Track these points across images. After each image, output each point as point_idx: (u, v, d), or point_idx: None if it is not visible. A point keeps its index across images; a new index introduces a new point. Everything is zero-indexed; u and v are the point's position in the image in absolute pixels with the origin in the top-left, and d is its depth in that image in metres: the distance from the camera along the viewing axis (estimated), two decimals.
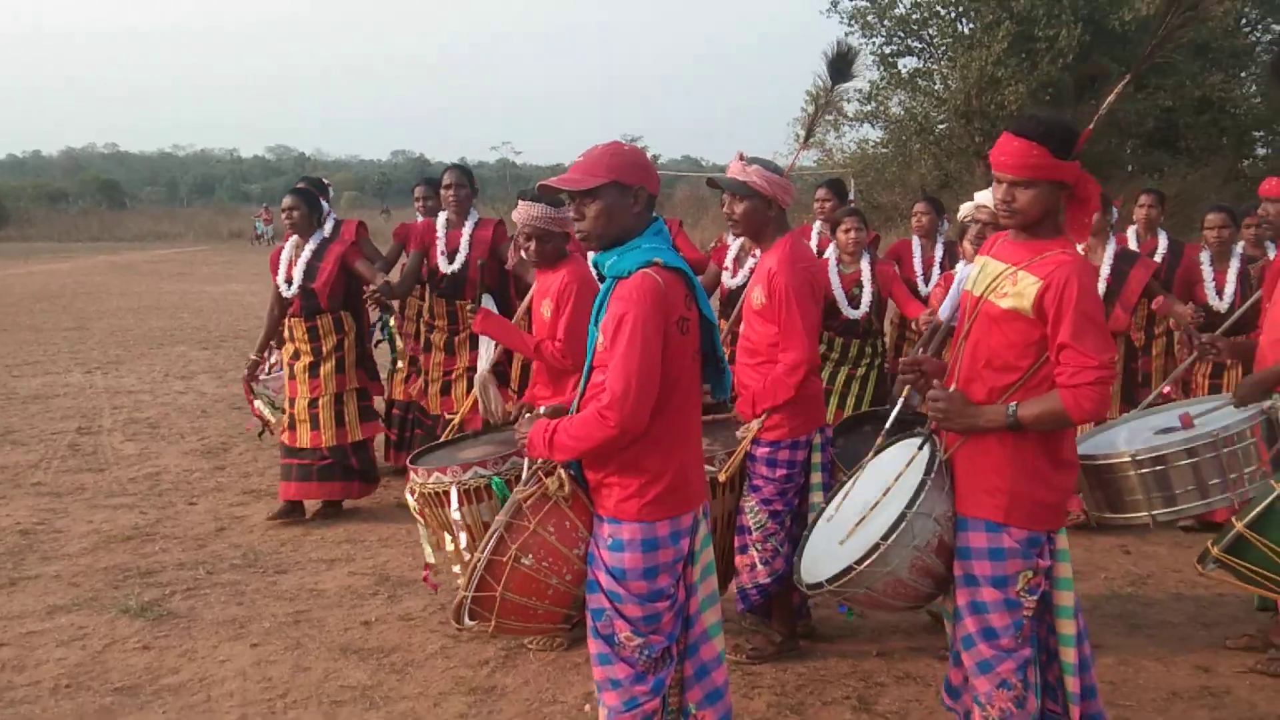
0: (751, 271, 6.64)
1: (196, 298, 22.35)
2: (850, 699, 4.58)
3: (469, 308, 6.69)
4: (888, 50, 29.01)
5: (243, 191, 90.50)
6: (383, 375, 7.77)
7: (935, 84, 28.40)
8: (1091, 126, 3.38)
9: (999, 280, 3.38)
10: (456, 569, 4.55)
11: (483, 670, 4.85)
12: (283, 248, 7.32)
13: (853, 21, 28.51)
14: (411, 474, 4.65)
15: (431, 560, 4.80)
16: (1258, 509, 3.80)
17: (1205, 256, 7.14)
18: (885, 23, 28.31)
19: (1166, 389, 5.49)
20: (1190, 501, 4.09)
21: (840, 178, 8.63)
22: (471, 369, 7.22)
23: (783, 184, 4.62)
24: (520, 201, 4.87)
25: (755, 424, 4.66)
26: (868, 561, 3.37)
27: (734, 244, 7.23)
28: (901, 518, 3.35)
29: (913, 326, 7.20)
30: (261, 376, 7.58)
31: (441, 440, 5.18)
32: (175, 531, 6.88)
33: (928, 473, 3.41)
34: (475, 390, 5.66)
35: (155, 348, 15.18)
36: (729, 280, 7.15)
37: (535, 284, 5.01)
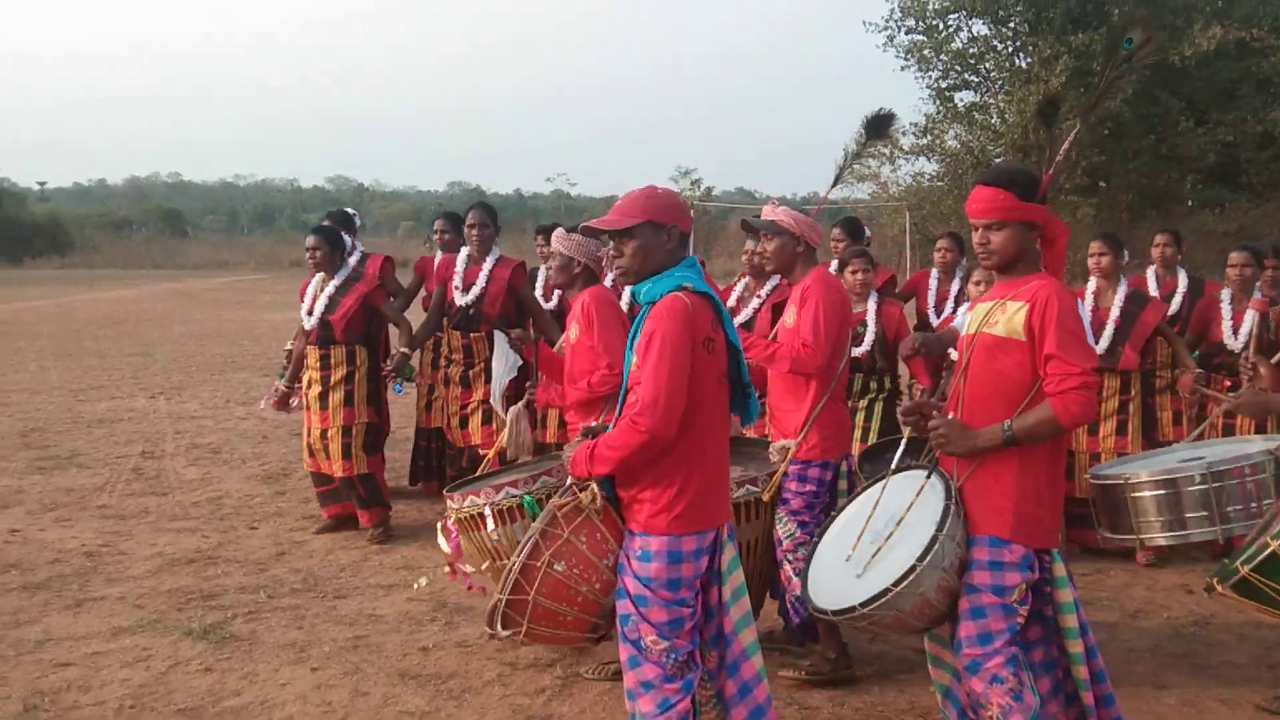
0: (755, 311, 7.07)
1: (256, 325, 22.69)
2: None
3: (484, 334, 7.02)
4: (944, 84, 28.98)
5: (302, 221, 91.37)
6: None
7: (992, 118, 28.30)
8: (1050, 171, 3.78)
9: (989, 313, 3.71)
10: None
11: (539, 698, 4.88)
12: (310, 280, 7.52)
13: (909, 56, 28.52)
14: (448, 502, 4.99)
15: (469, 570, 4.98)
16: None
17: (1226, 294, 7.12)
18: (942, 57, 28.29)
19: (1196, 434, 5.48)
20: (1200, 527, 4.18)
21: (856, 216, 8.70)
22: (484, 401, 7.39)
23: (809, 223, 5.02)
24: (556, 229, 5.27)
25: (792, 443, 4.92)
26: (904, 584, 3.53)
27: (739, 285, 7.39)
28: (934, 540, 3.55)
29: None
30: (292, 403, 7.76)
31: (476, 475, 5.41)
32: (237, 555, 6.98)
33: (949, 498, 3.65)
34: (508, 422, 5.72)
35: (217, 374, 15.42)
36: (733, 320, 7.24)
37: (570, 311, 5.22)
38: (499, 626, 3.79)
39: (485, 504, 4.79)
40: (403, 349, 7.30)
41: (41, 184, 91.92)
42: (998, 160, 28.19)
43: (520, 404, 5.70)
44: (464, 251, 7.65)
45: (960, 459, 3.70)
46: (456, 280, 7.55)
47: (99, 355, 17.36)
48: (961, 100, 29.21)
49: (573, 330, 5.03)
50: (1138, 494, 4.24)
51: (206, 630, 5.65)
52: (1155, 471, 4.28)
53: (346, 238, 7.78)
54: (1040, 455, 3.61)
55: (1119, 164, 25.72)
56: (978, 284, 6.53)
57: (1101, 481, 4.38)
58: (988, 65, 28.13)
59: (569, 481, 3.73)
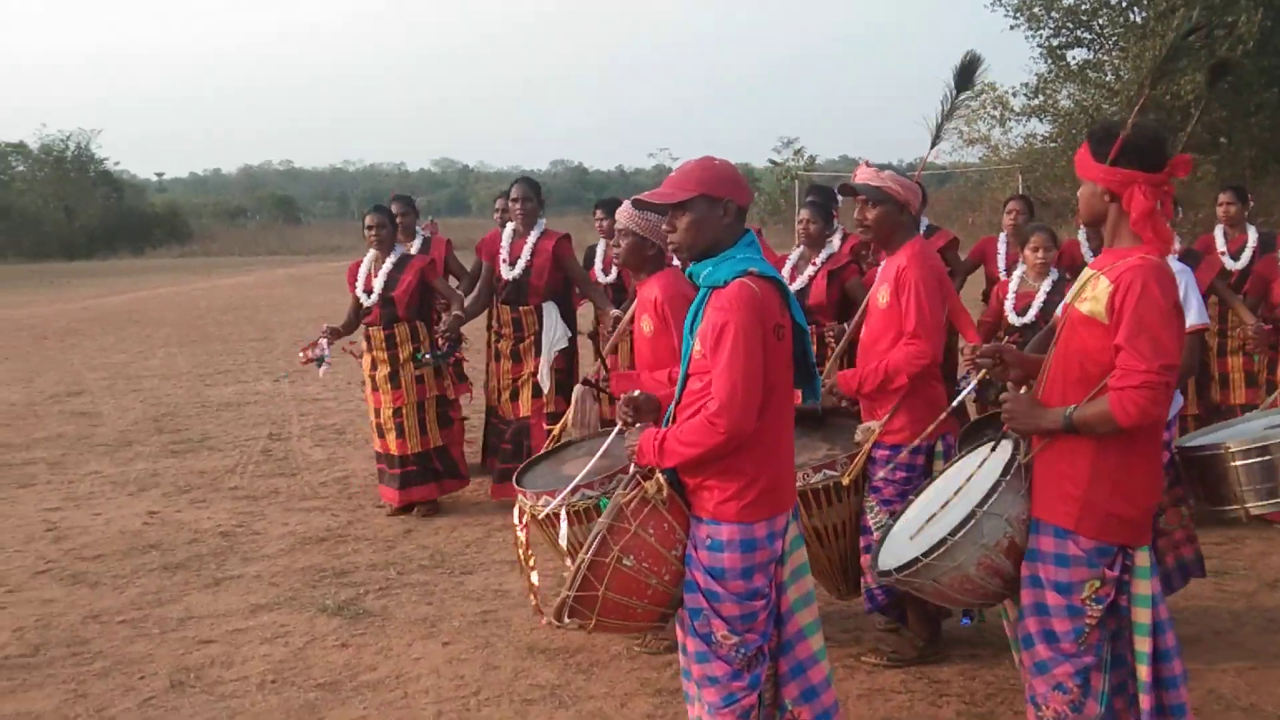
0: (810, 280, 6.76)
1: None
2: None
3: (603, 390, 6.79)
4: (1055, 42, 28.23)
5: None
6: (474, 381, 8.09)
7: (1106, 75, 27.50)
8: (1124, 133, 3.36)
9: (1084, 285, 3.43)
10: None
11: (666, 672, 4.92)
12: (360, 261, 7.64)
13: (1018, 14, 27.81)
14: (520, 496, 4.85)
15: (536, 583, 4.69)
16: None
17: None
18: (1053, 14, 27.53)
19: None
20: None
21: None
22: (535, 374, 7.40)
23: (915, 189, 4.71)
24: (625, 203, 4.88)
25: (876, 425, 4.67)
26: (934, 555, 3.46)
27: (794, 253, 7.22)
28: (971, 515, 3.43)
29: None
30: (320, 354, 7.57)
31: (543, 452, 5.39)
32: (365, 533, 7.15)
33: (1004, 474, 3.47)
34: (573, 401, 5.64)
35: (337, 356, 15.64)
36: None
37: (637, 296, 4.97)
38: (566, 619, 3.73)
39: (562, 504, 4.66)
40: (456, 312, 7.35)
41: (159, 175, 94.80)
42: (1115, 118, 27.49)
43: (582, 382, 5.60)
44: (509, 227, 7.66)
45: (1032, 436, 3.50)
46: (503, 254, 7.55)
47: (222, 340, 17.84)
48: (1074, 58, 28.40)
49: (645, 323, 4.79)
50: (1234, 463, 4.12)
51: (340, 607, 5.80)
52: (1249, 438, 4.17)
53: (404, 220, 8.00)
54: (1123, 444, 3.30)
55: (1240, 119, 24.86)
56: (1035, 250, 6.42)
57: (1197, 453, 4.27)
58: (1101, 21, 27.30)
59: (631, 470, 3.65)
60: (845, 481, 4.70)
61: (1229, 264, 7.40)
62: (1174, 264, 4.73)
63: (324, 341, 7.50)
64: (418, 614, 5.71)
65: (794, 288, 7.04)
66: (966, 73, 4.81)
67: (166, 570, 6.49)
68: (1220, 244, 7.61)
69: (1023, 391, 3.54)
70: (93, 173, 55.02)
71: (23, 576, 6.44)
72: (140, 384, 13.59)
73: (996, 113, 30.40)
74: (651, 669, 4.95)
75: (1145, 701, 3.41)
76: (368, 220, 7.60)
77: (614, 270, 8.13)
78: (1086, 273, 3.48)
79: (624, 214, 4.81)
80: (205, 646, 5.38)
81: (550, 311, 7.38)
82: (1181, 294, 4.53)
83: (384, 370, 7.48)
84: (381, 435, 7.55)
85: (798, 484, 4.45)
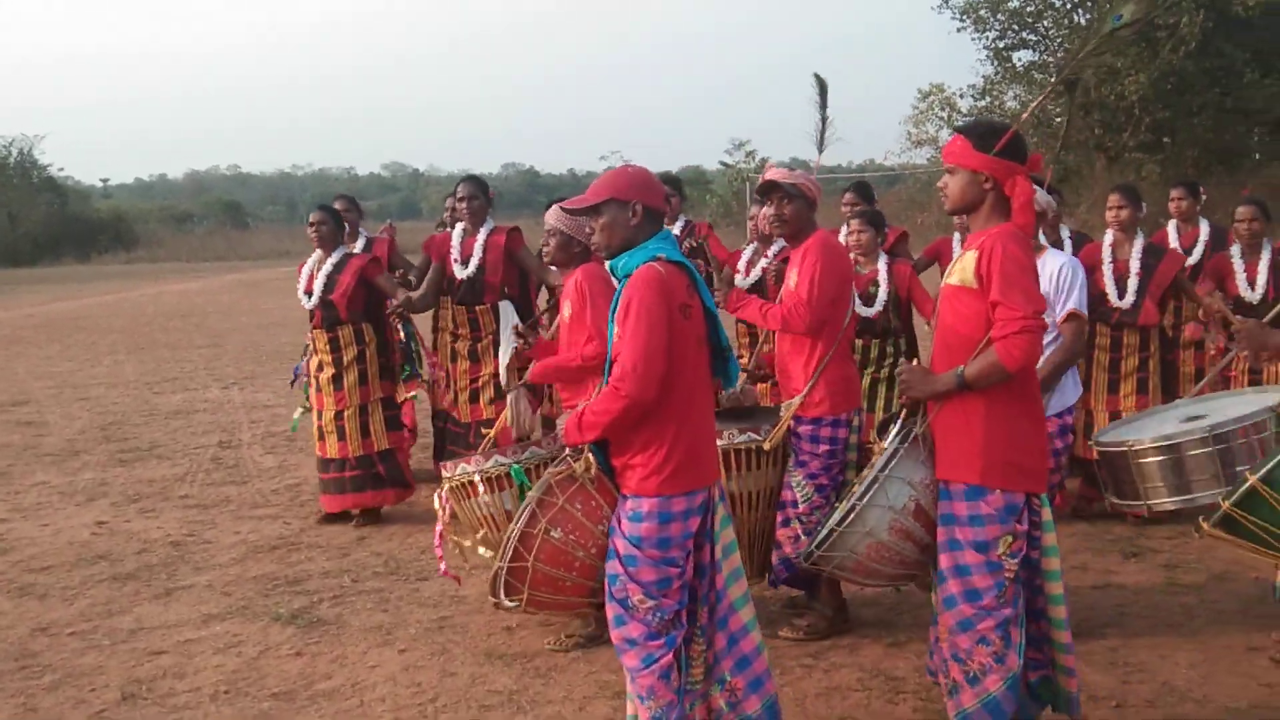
0: (764, 271, 7.09)
1: None
2: None
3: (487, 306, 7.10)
4: (1001, 44, 28.51)
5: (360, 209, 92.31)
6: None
7: (1051, 76, 27.79)
8: (1014, 127, 3.72)
9: (954, 263, 3.81)
10: (483, 551, 5.04)
11: (624, 675, 4.90)
12: (306, 262, 7.56)
13: (964, 16, 28.08)
14: (442, 471, 5.29)
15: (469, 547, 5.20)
16: (1272, 462, 3.73)
17: (1235, 250, 7.07)
18: (998, 17, 27.81)
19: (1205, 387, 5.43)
20: (1205, 490, 4.26)
21: (866, 181, 8.67)
22: (497, 375, 7.29)
23: (819, 186, 5.11)
24: (554, 205, 5.31)
25: (796, 400, 4.97)
26: (846, 522, 3.74)
27: (748, 248, 7.39)
28: (874, 480, 3.73)
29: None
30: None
31: (478, 452, 5.47)
32: (319, 541, 7.09)
33: (901, 441, 3.78)
34: (508, 403, 5.76)
35: (287, 362, 15.50)
36: (741, 281, 7.26)
37: (562, 287, 5.29)
38: (502, 595, 4.00)
39: (475, 471, 5.02)
40: (407, 293, 7.31)
41: (104, 181, 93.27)
42: (1058, 120, 27.84)
43: (520, 383, 5.83)
44: (459, 227, 7.60)
45: (927, 403, 3.80)
46: (454, 254, 7.50)
47: (170, 348, 17.64)
48: (1020, 60, 28.68)
49: (565, 308, 5.12)
50: (1142, 460, 4.27)
51: (294, 615, 5.75)
52: (1157, 437, 4.31)
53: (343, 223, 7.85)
54: (1008, 396, 3.64)
55: (1183, 119, 25.21)
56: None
57: (1105, 448, 4.41)
58: (1046, 23, 27.59)
59: (564, 451, 3.94)
60: (766, 447, 4.97)
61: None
62: (1062, 256, 5.00)
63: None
64: (373, 621, 5.67)
65: (747, 282, 7.11)
66: (823, 93, 5.15)
67: (116, 581, 6.41)
68: (1173, 239, 7.74)
69: (915, 363, 3.87)
70: (36, 179, 54.16)
71: None
72: (87, 392, 13.41)
73: (945, 114, 30.62)
74: (610, 672, 4.94)
75: (1065, 636, 3.86)
76: (311, 218, 7.51)
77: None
78: (958, 257, 3.82)
79: (552, 215, 5.27)
80: (157, 658, 5.31)
81: (507, 309, 7.34)
82: (1068, 283, 4.80)
83: (328, 372, 7.38)
84: (322, 438, 7.44)
85: (721, 443, 4.79)
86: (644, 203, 3.69)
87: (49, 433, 10.95)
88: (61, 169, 66.78)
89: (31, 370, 15.39)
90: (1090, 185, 25.97)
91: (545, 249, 5.40)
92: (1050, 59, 27.95)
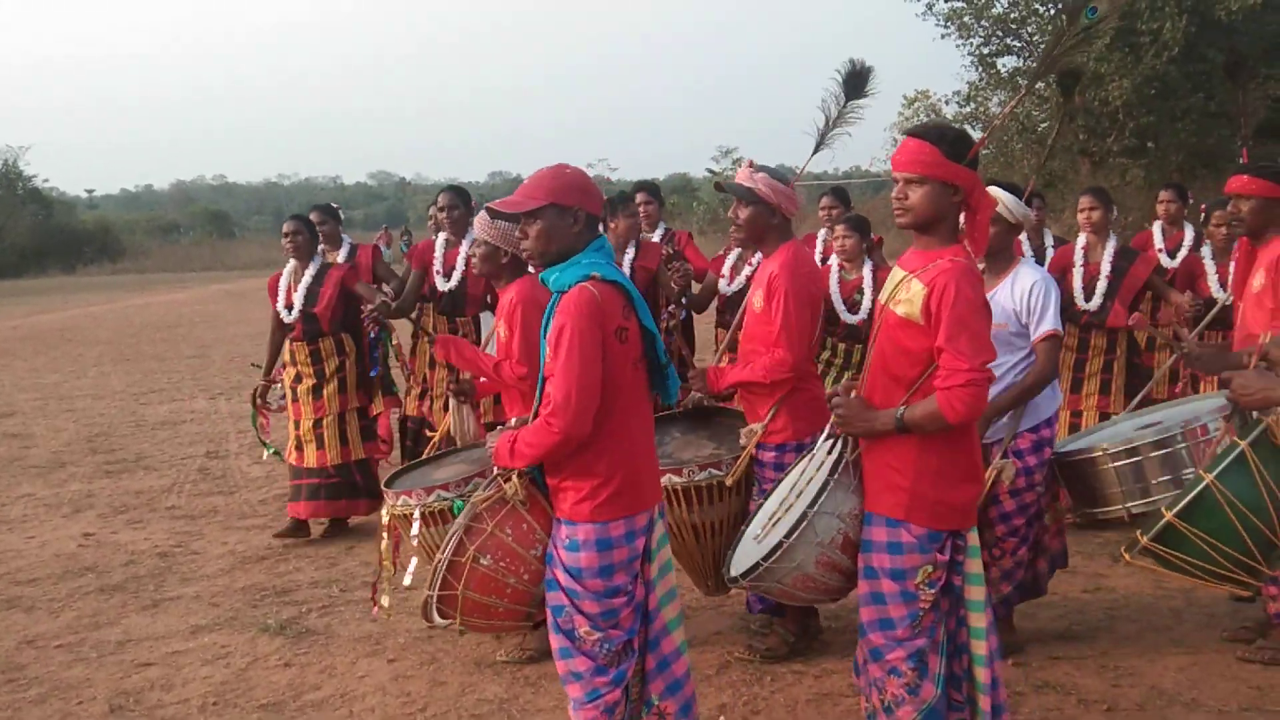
0: (749, 279, 6.77)
1: None
2: None
3: (428, 338, 6.92)
4: (985, 51, 28.60)
5: (346, 218, 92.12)
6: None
7: (1039, 84, 27.93)
8: (985, 135, 3.56)
9: (898, 287, 3.50)
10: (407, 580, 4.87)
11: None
12: (280, 274, 7.51)
13: (949, 23, 28.17)
14: (386, 495, 4.95)
15: (404, 581, 4.94)
16: (1187, 498, 3.76)
17: (1206, 251, 7.12)
18: (983, 23, 27.89)
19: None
20: (1165, 492, 4.27)
21: (843, 186, 8.58)
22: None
23: (787, 193, 4.77)
24: (481, 212, 5.02)
25: (759, 427, 4.79)
26: (774, 558, 3.56)
27: (732, 253, 7.31)
28: (803, 517, 3.53)
29: None
30: (271, 402, 7.71)
31: (421, 458, 5.44)
32: (307, 551, 7.07)
33: (832, 473, 3.57)
34: (450, 410, 5.70)
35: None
36: (725, 287, 7.20)
37: (498, 303, 5.06)
38: (435, 618, 3.87)
39: (416, 505, 4.80)
40: (385, 295, 7.27)
41: (90, 191, 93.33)
42: (1043, 126, 27.93)
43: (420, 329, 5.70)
44: (441, 236, 7.54)
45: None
46: (437, 265, 7.45)
47: (157, 359, 17.58)
48: (1004, 66, 28.76)
49: (501, 329, 4.89)
50: (1109, 465, 4.37)
51: (283, 626, 5.73)
52: (1118, 442, 4.36)
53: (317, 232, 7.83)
54: (942, 434, 3.41)
55: (1167, 124, 25.30)
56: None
57: (1068, 458, 4.41)
58: (1030, 29, 27.68)
59: (494, 473, 3.73)
60: (729, 483, 4.76)
61: (1165, 261, 7.54)
62: (1035, 271, 4.81)
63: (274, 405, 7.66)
64: (362, 631, 5.65)
65: (731, 288, 7.07)
66: (858, 81, 4.86)
67: (103, 593, 6.38)
68: (1158, 241, 7.76)
69: (852, 395, 3.59)
70: (21, 190, 53.96)
71: None
72: (73, 404, 13.36)
73: (930, 120, 30.68)
74: None
75: (983, 675, 3.56)
76: (285, 228, 7.48)
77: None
78: (897, 273, 3.56)
79: (478, 223, 4.97)
80: (145, 669, 5.29)
81: (488, 320, 7.31)
82: (1041, 302, 4.63)
83: (308, 383, 7.36)
84: (300, 448, 7.41)
85: (681, 480, 4.68)
86: (585, 209, 3.47)
87: (35, 444, 10.90)
88: (47, 180, 66.48)
89: (17, 382, 15.32)
90: (1075, 190, 26.01)
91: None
92: (1034, 64, 28.04)
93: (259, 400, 7.65)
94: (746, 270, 7.03)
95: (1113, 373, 6.89)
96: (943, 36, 28.42)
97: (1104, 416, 6.62)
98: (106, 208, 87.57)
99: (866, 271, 6.77)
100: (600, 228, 3.61)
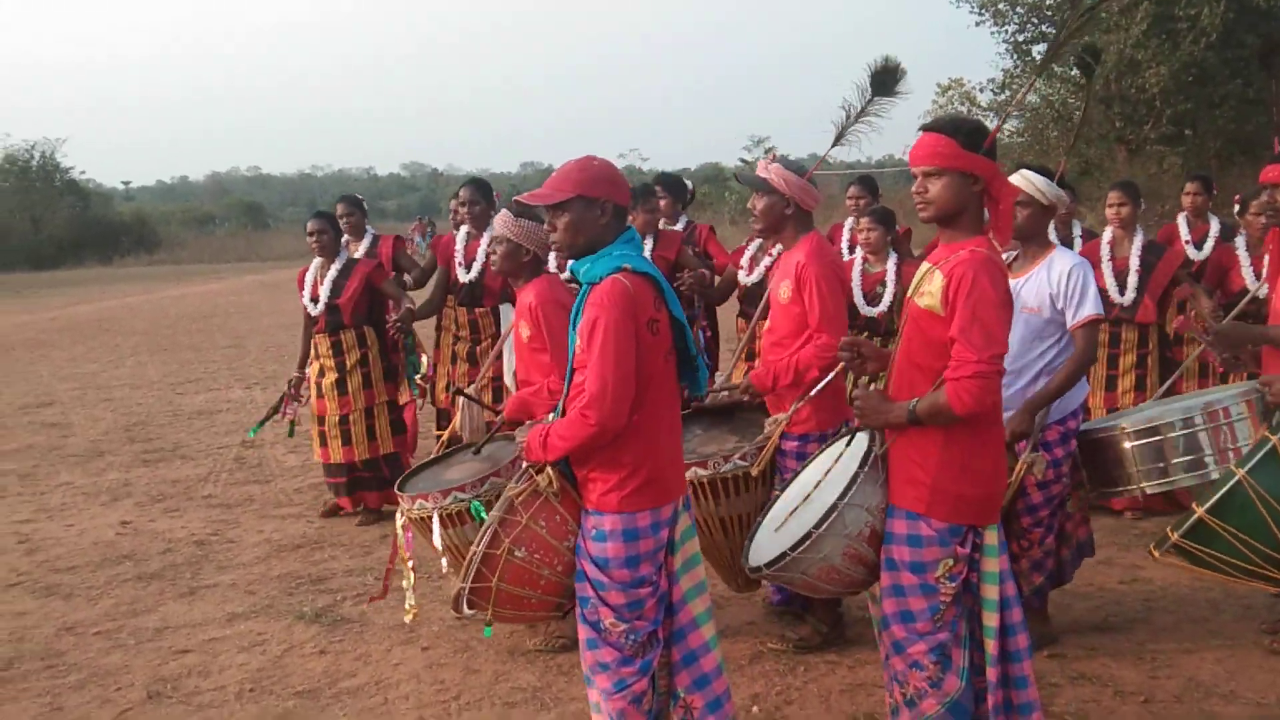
0: (767, 270, 6.76)
1: None
2: None
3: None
4: (1021, 38, 28.38)
5: (379, 208, 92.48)
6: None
7: (1072, 69, 27.66)
8: (999, 124, 3.53)
9: (922, 279, 3.51)
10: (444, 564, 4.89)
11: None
12: (307, 269, 7.61)
13: (984, 10, 27.98)
14: (400, 501, 4.96)
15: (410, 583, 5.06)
16: (1218, 494, 3.69)
17: (1241, 241, 6.99)
18: (1017, 10, 27.70)
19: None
20: (1182, 474, 4.27)
21: (871, 176, 8.45)
22: (496, 378, 7.05)
23: (802, 185, 4.83)
24: (503, 210, 5.04)
25: (784, 417, 4.78)
26: (801, 548, 3.55)
27: (751, 245, 7.27)
28: (833, 508, 3.52)
29: None
30: (303, 394, 7.75)
31: (431, 458, 5.43)
32: (342, 539, 7.11)
33: (862, 465, 3.56)
34: (459, 407, 5.75)
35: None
36: (744, 278, 7.15)
37: (516, 303, 5.06)
38: (465, 610, 3.89)
39: (433, 508, 4.80)
40: (408, 306, 7.27)
41: (126, 183, 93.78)
42: (1078, 112, 27.68)
43: (471, 389, 5.76)
44: (463, 230, 7.57)
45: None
46: (458, 257, 7.48)
47: (193, 349, 17.71)
48: (1040, 53, 28.59)
49: (523, 329, 4.87)
50: (1129, 444, 4.31)
51: (318, 614, 5.77)
52: (1137, 420, 4.31)
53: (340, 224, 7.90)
54: (967, 429, 3.39)
55: (1205, 110, 25.05)
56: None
57: (1089, 436, 4.43)
58: (1065, 16, 27.52)
59: (524, 465, 3.75)
60: (754, 472, 4.76)
61: (1192, 253, 7.48)
62: (1071, 256, 4.78)
63: (294, 406, 7.70)
64: (396, 619, 5.67)
65: (750, 279, 7.05)
66: (886, 79, 4.81)
67: (141, 580, 6.44)
68: (1184, 233, 7.70)
69: (872, 387, 3.60)
70: (59, 182, 54.48)
71: None
72: (111, 393, 13.48)
73: (964, 108, 30.47)
74: None
75: (993, 674, 3.51)
76: (309, 227, 7.58)
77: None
78: (924, 267, 3.56)
79: (500, 221, 5.00)
80: (182, 656, 5.33)
81: (508, 313, 7.30)
82: (1079, 286, 4.58)
83: (331, 377, 7.44)
84: (324, 444, 7.49)
85: (706, 473, 4.67)
86: (613, 200, 3.47)
87: (73, 434, 11.02)
88: (84, 172, 67.08)
89: (56, 372, 15.48)
90: (1111, 178, 25.78)
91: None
92: (1070, 52, 27.76)
93: (290, 389, 7.70)
94: (766, 261, 6.99)
95: (1147, 368, 6.85)
96: (977, 24, 28.23)
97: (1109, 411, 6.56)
98: (142, 199, 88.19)
99: (890, 265, 6.71)
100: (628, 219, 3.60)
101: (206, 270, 42.46)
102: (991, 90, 29.17)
